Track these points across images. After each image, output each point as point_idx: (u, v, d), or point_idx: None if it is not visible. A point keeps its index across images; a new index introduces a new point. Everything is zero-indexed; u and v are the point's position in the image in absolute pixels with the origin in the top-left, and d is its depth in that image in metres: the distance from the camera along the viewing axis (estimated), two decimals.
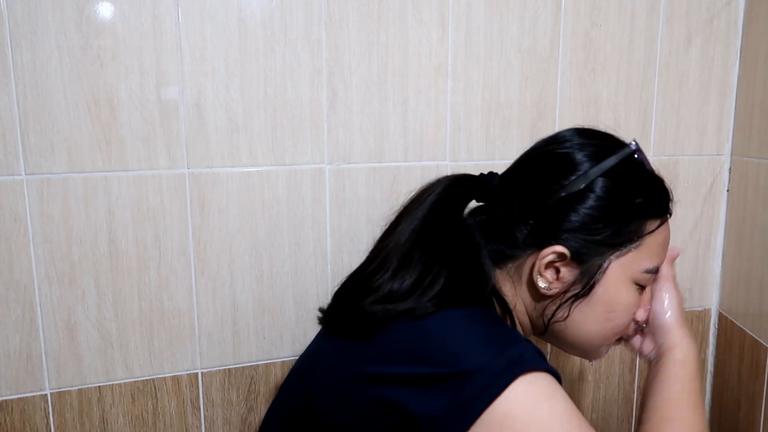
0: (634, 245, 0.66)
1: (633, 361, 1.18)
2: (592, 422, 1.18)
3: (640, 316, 0.72)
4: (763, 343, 1.06)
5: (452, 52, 0.95)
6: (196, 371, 0.93)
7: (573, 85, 1.03)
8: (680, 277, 1.17)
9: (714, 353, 1.22)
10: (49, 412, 0.87)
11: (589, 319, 0.67)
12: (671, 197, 0.70)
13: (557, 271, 0.66)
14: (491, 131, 1.00)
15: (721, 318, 1.19)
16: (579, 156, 0.67)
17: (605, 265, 0.65)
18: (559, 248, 0.65)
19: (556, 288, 0.66)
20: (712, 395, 1.23)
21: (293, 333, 0.96)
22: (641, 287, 0.69)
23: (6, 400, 0.85)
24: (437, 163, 0.98)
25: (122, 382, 0.89)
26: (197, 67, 0.84)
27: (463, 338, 0.58)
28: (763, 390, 1.07)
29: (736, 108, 1.12)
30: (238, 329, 0.93)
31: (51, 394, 0.86)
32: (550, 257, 0.65)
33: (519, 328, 0.71)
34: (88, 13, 0.79)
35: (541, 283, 0.66)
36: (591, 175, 0.65)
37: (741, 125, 1.11)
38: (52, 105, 0.80)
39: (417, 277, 0.63)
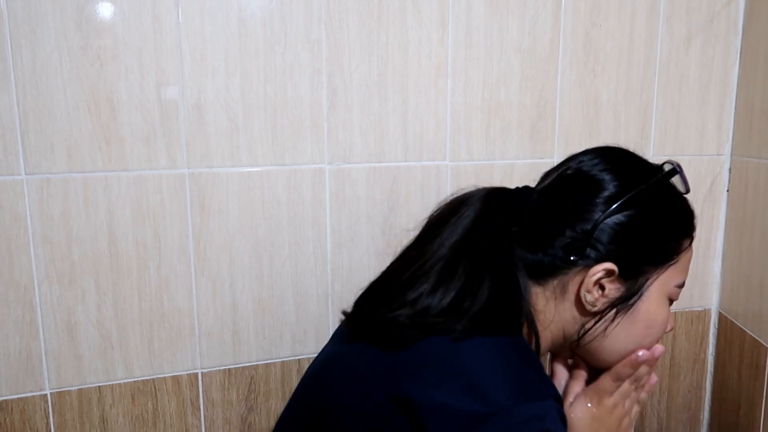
0: (672, 263, 0.68)
1: None
2: None
3: (668, 327, 0.74)
4: (763, 343, 1.06)
5: (452, 52, 0.95)
6: (196, 371, 0.93)
7: (573, 85, 1.03)
8: None
9: (714, 353, 1.22)
10: (49, 412, 0.87)
11: (630, 334, 0.69)
12: (694, 215, 0.72)
13: (602, 287, 0.67)
14: (491, 131, 1.00)
15: (721, 318, 1.19)
16: (626, 174, 0.68)
17: (649, 282, 0.68)
18: (609, 265, 0.65)
19: (601, 304, 0.67)
20: (712, 395, 1.23)
21: (293, 333, 0.96)
22: (671, 302, 0.72)
23: (6, 400, 0.85)
24: (437, 163, 0.98)
25: (122, 382, 0.89)
26: (197, 67, 0.84)
27: (495, 375, 0.57)
28: (763, 390, 1.07)
29: (736, 108, 1.12)
30: (238, 329, 0.93)
31: (51, 394, 0.86)
32: (600, 274, 0.66)
33: (547, 343, 0.70)
34: (88, 13, 0.79)
35: (589, 299, 0.67)
36: (638, 194, 0.66)
37: (741, 125, 1.11)
38: (52, 105, 0.80)
39: (456, 293, 0.62)
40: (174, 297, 0.89)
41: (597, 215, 0.66)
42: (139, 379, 0.90)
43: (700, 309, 1.20)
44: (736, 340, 1.14)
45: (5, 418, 0.85)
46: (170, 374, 0.91)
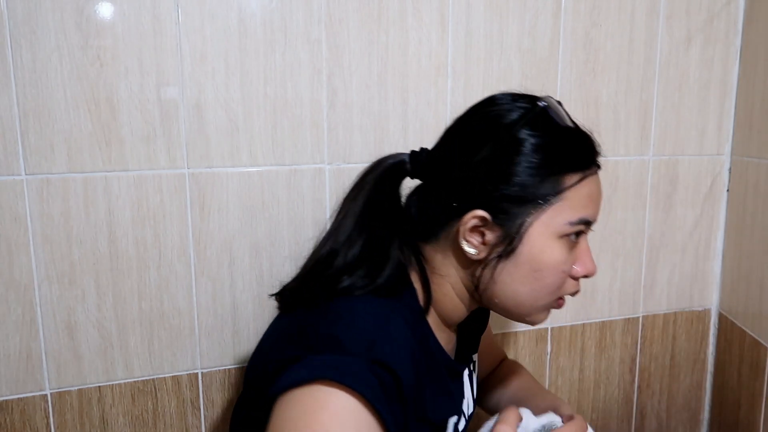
0: (553, 201, 0.64)
1: (633, 361, 1.18)
2: (592, 422, 1.18)
3: (579, 271, 0.68)
4: (763, 343, 1.06)
5: (452, 52, 0.95)
6: (196, 371, 0.93)
7: (573, 85, 1.03)
8: (680, 277, 1.18)
9: (714, 353, 1.22)
10: (49, 412, 0.87)
11: (516, 280, 0.66)
12: (593, 150, 0.68)
13: (482, 235, 0.65)
14: None
15: (721, 318, 1.19)
16: (489, 119, 0.67)
17: (526, 223, 0.64)
18: (479, 212, 0.64)
19: (483, 252, 0.66)
20: (712, 395, 1.23)
21: None
22: (573, 241, 0.66)
23: (6, 400, 0.85)
24: None
25: (122, 382, 0.89)
26: (197, 67, 0.84)
27: (334, 330, 0.60)
28: (763, 390, 1.07)
29: (736, 108, 1.13)
30: (238, 329, 0.93)
31: (51, 394, 0.86)
32: (473, 222, 0.65)
33: (452, 299, 0.70)
34: (88, 13, 0.79)
35: (468, 249, 0.66)
36: (500, 136, 0.65)
37: (741, 125, 1.11)
38: (52, 105, 0.80)
39: (355, 259, 0.67)
40: (174, 297, 0.89)
41: (462, 160, 0.66)
42: (139, 379, 0.90)
43: (700, 309, 1.20)
44: (736, 340, 1.14)
45: (5, 418, 0.85)
46: (170, 374, 0.91)
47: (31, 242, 0.82)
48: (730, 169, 1.15)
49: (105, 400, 0.89)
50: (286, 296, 0.70)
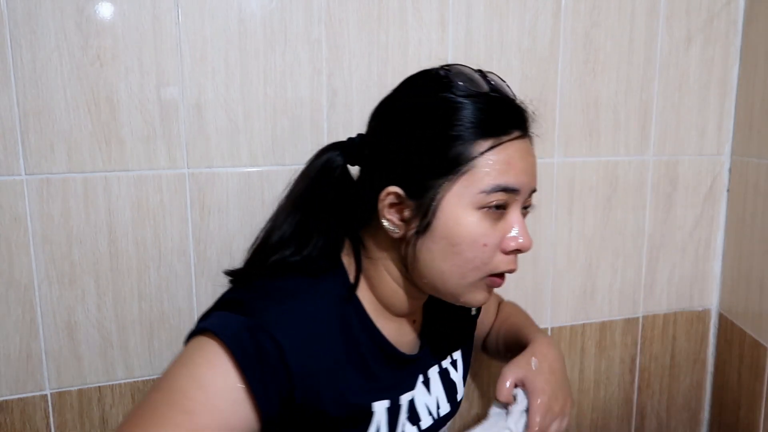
0: (464, 170, 0.61)
1: (633, 361, 1.18)
2: (592, 422, 1.18)
3: (509, 245, 0.64)
4: (763, 343, 1.06)
5: (452, 53, 0.95)
6: None
7: (573, 85, 1.03)
8: (680, 277, 1.18)
9: (714, 353, 1.22)
10: (49, 412, 0.87)
11: (437, 256, 0.63)
12: (509, 114, 0.64)
13: (401, 212, 0.64)
14: None
15: (721, 318, 1.19)
16: (401, 96, 0.67)
17: (438, 195, 0.62)
18: (393, 188, 0.63)
19: (403, 229, 0.65)
20: (712, 395, 1.23)
21: None
22: (496, 212, 0.63)
23: (6, 400, 0.85)
24: None
25: (122, 382, 0.89)
26: (197, 67, 0.84)
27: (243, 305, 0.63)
28: (763, 390, 1.07)
29: (736, 108, 1.13)
30: None
31: (51, 394, 0.86)
32: (389, 199, 0.64)
33: (387, 281, 0.69)
34: (88, 13, 0.79)
35: (388, 226, 0.65)
36: (408, 109, 0.65)
37: (741, 125, 1.11)
38: (52, 105, 0.80)
39: (287, 240, 0.68)
40: (174, 297, 0.89)
41: (379, 138, 0.67)
42: (139, 379, 0.90)
43: (700, 309, 1.20)
44: (736, 340, 1.14)
45: (5, 418, 0.85)
46: None
47: (31, 242, 0.82)
48: (730, 169, 1.15)
49: (105, 400, 0.89)
50: (233, 275, 0.71)
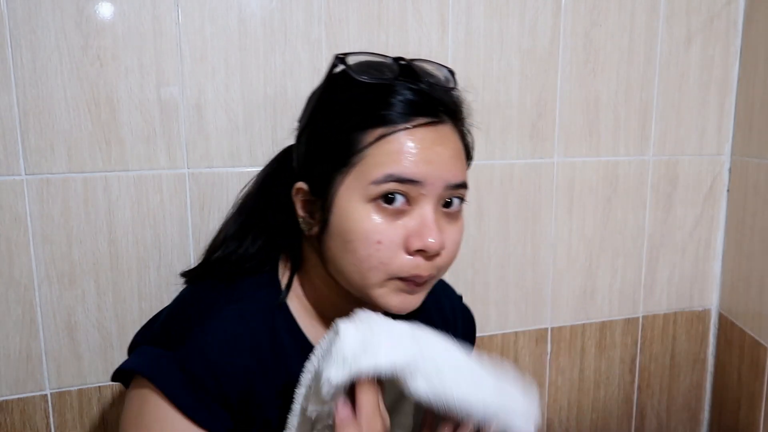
0: (355, 162, 0.58)
1: (633, 361, 1.18)
2: (592, 422, 1.18)
3: (413, 243, 0.57)
4: (763, 343, 1.06)
5: (452, 52, 0.95)
6: None
7: (573, 85, 1.03)
8: (680, 277, 1.18)
9: (714, 353, 1.22)
10: (49, 412, 0.87)
11: (337, 254, 0.60)
12: (401, 101, 0.58)
13: (311, 208, 0.63)
14: (491, 131, 1.00)
15: (721, 318, 1.19)
16: (314, 90, 0.66)
17: (332, 189, 0.59)
18: (300, 184, 0.62)
19: (314, 227, 0.62)
20: (712, 395, 1.23)
21: None
22: (391, 208, 0.57)
23: (6, 400, 0.85)
24: None
25: None
26: (197, 67, 0.84)
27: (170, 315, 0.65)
28: (763, 390, 1.07)
29: (736, 108, 1.13)
30: None
31: (51, 394, 0.86)
32: (299, 196, 0.63)
33: (326, 282, 0.66)
34: (88, 13, 0.79)
35: (302, 224, 0.63)
36: (308, 104, 0.64)
37: (741, 125, 1.11)
38: (52, 105, 0.80)
39: (227, 241, 0.69)
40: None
41: (296, 140, 0.66)
42: None
43: (700, 309, 1.20)
44: (736, 340, 1.14)
45: (5, 418, 0.85)
46: None
47: (31, 242, 0.82)
48: (730, 169, 1.15)
49: (105, 400, 0.89)
50: (187, 275, 0.73)
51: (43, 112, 0.80)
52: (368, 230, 0.57)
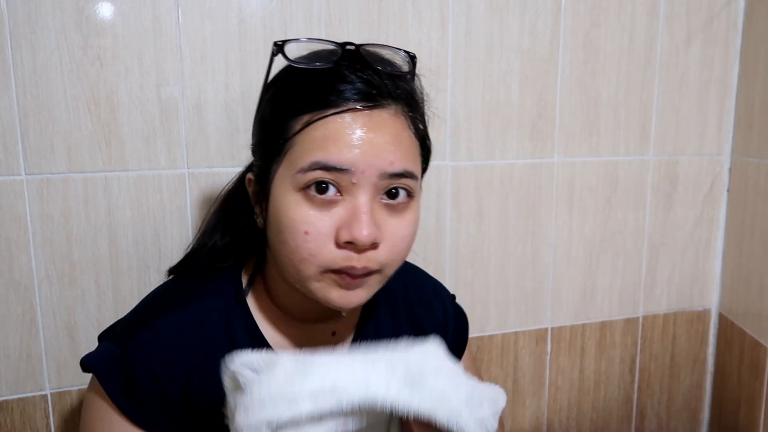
0: (285, 150, 0.56)
1: (633, 361, 1.18)
2: (592, 422, 1.18)
3: (343, 235, 0.54)
4: (763, 343, 1.06)
5: (452, 52, 0.95)
6: None
7: (573, 85, 1.03)
8: (680, 277, 1.18)
9: (714, 353, 1.22)
10: (49, 412, 0.87)
11: (275, 246, 0.58)
12: (330, 85, 0.56)
13: (260, 200, 0.61)
14: (491, 131, 1.00)
15: (721, 318, 1.19)
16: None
17: (270, 180, 0.58)
18: (249, 175, 0.62)
19: (261, 219, 0.62)
20: (712, 395, 1.23)
21: None
22: (323, 197, 0.54)
23: (6, 400, 0.85)
24: (437, 163, 0.98)
25: None
26: (197, 67, 0.84)
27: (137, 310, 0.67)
28: (763, 390, 1.07)
29: (736, 108, 1.13)
30: None
31: (51, 394, 0.86)
32: (251, 187, 0.62)
33: (279, 290, 0.65)
34: (88, 13, 0.79)
35: (257, 218, 0.62)
36: (259, 96, 0.63)
37: (741, 125, 1.11)
38: (52, 105, 0.80)
39: (201, 239, 0.70)
40: None
41: None
42: None
43: (700, 309, 1.20)
44: (736, 340, 1.14)
45: (5, 418, 0.85)
46: None
47: (31, 242, 0.82)
48: (730, 169, 1.15)
49: None
50: (173, 272, 0.72)
51: (43, 112, 0.80)
52: (295, 220, 0.55)
